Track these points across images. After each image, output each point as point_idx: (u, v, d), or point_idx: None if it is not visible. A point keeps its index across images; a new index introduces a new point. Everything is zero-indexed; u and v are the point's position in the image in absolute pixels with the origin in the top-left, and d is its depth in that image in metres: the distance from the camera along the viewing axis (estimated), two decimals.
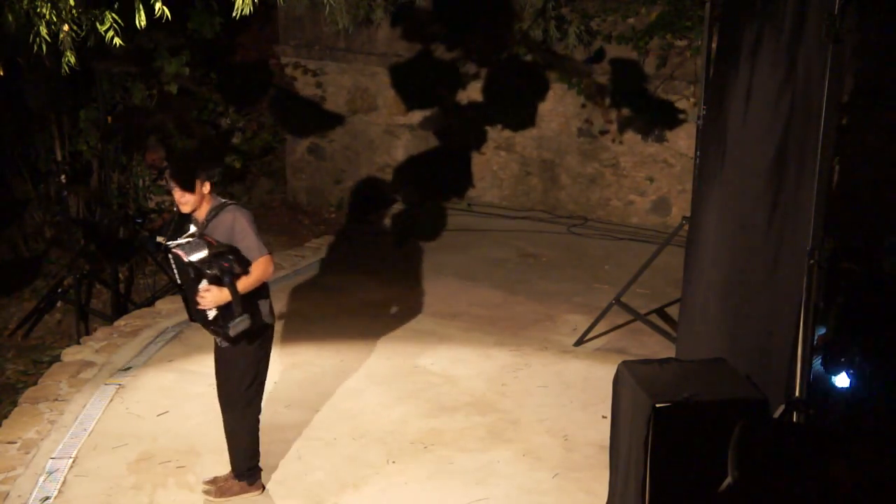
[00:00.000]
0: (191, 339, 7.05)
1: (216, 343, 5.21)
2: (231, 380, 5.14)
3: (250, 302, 4.94)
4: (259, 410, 5.25)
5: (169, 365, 6.78)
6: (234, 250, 4.85)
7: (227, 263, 4.78)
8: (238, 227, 4.91)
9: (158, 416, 6.10)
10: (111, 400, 6.27)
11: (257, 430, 5.26)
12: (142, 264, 9.18)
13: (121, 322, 7.56)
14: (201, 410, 6.04)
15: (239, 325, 4.85)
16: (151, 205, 9.58)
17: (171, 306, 7.68)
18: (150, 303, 8.24)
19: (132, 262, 9.07)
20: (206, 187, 4.94)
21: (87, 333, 8.07)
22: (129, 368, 6.71)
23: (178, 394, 6.36)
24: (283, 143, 10.77)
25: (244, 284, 4.85)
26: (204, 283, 4.80)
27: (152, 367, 6.76)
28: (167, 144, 9.68)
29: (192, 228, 4.99)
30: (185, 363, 6.77)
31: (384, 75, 10.09)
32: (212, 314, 4.87)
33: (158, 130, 9.57)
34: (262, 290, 5.04)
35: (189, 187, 4.93)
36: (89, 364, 6.77)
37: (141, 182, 9.51)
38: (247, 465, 5.25)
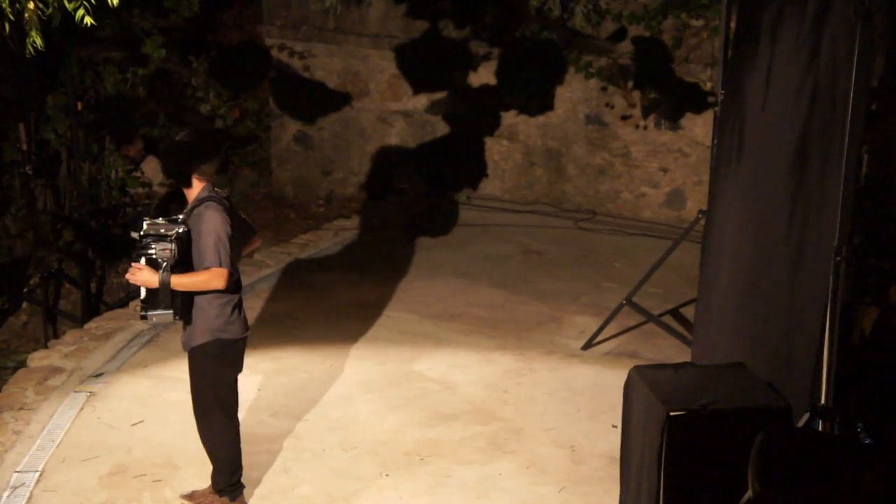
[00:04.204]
0: (168, 342, 7.04)
1: None
2: (200, 393, 5.16)
3: (187, 301, 4.97)
4: (235, 423, 5.24)
5: (144, 371, 6.77)
6: (181, 239, 4.89)
7: (167, 250, 4.85)
8: (203, 226, 4.93)
9: (133, 425, 6.09)
10: (81, 408, 6.26)
11: (236, 443, 5.24)
12: (114, 262, 9.17)
13: (92, 324, 7.55)
14: (179, 419, 6.02)
15: (160, 316, 4.92)
16: (125, 198, 9.55)
17: None
18: (123, 303, 8.22)
19: (104, 262, 9.06)
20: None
21: (56, 336, 8.05)
22: (100, 374, 6.70)
23: (154, 402, 6.35)
24: (268, 131, 10.75)
25: (180, 281, 4.88)
26: (141, 261, 4.87)
27: (126, 372, 6.74)
28: (145, 137, 9.67)
29: (181, 215, 5.06)
30: (161, 369, 6.76)
31: (377, 58, 10.07)
32: (143, 294, 4.94)
33: (149, 121, 9.56)
34: (215, 299, 5.02)
35: (183, 182, 5.05)
36: (58, 370, 6.76)
37: (114, 173, 9.49)
38: (227, 480, 5.24)
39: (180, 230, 4.92)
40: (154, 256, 4.85)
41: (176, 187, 5.28)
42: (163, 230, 4.90)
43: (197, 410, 5.20)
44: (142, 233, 4.90)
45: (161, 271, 4.84)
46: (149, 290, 4.90)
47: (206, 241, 4.91)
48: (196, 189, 5.04)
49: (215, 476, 5.26)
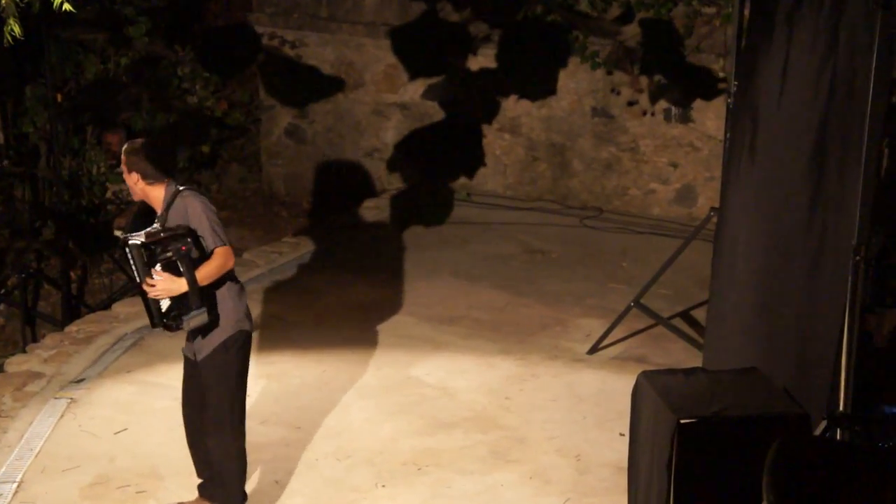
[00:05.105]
0: (152, 346, 7.04)
1: (187, 357, 5.18)
2: (218, 398, 5.07)
3: (209, 296, 4.95)
4: (244, 431, 5.21)
5: (128, 376, 6.76)
6: (191, 233, 4.88)
7: (184, 247, 4.81)
8: (191, 212, 4.93)
9: (116, 434, 6.08)
10: (62, 416, 6.26)
11: (245, 454, 5.21)
12: (96, 262, 9.16)
13: (73, 327, 7.54)
14: (165, 428, 6.02)
15: (195, 318, 4.87)
16: (108, 194, 9.55)
17: (129, 309, 7.66)
18: (106, 305, 8.21)
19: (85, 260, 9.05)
20: (135, 178, 4.98)
21: (34, 340, 8.05)
22: (82, 380, 6.69)
23: (138, 409, 6.35)
24: (258, 124, 10.75)
25: (203, 273, 4.87)
26: (157, 269, 4.82)
27: (109, 378, 6.74)
28: (128, 126, 9.66)
29: (156, 223, 5.02)
30: (146, 374, 6.76)
31: (372, 47, 10.07)
32: (165, 304, 4.89)
33: (132, 106, 9.54)
34: (231, 289, 5.05)
35: (169, 171, 5.01)
36: (37, 375, 6.76)
37: (95, 169, 9.48)
38: (242, 496, 5.19)
39: (171, 229, 4.87)
40: (173, 259, 4.79)
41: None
42: (164, 234, 4.82)
43: (212, 420, 5.10)
44: (146, 242, 4.80)
45: (184, 271, 4.79)
46: (174, 298, 4.86)
47: (202, 227, 4.90)
48: (160, 189, 5.00)
49: (224, 495, 5.17)
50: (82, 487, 5.58)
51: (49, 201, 9.27)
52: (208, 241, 4.91)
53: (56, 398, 6.46)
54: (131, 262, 4.94)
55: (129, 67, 9.65)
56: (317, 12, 10.22)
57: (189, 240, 4.84)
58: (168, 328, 4.97)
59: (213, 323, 4.98)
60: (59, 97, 8.94)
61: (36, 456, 5.84)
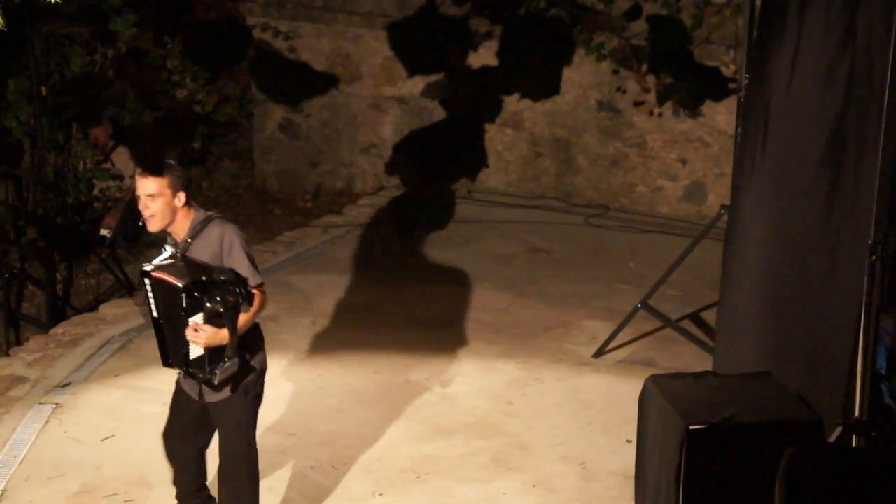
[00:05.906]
0: (141, 349, 7.03)
1: (186, 393, 4.93)
2: (238, 441, 4.90)
3: (243, 343, 4.69)
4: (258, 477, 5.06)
5: (115, 380, 6.76)
6: (240, 280, 4.59)
7: (232, 298, 4.53)
8: (227, 246, 4.64)
9: (103, 440, 6.09)
10: (46, 422, 6.25)
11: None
12: (83, 262, 9.16)
13: (58, 330, 7.54)
14: (154, 434, 5.99)
15: (227, 369, 4.63)
16: (94, 191, 9.55)
17: (117, 311, 7.66)
18: (92, 307, 8.21)
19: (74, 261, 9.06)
20: (181, 198, 4.64)
21: (18, 343, 8.05)
22: (67, 385, 6.69)
23: (126, 414, 6.35)
24: (251, 118, 10.75)
25: (243, 321, 4.60)
26: (198, 318, 4.55)
27: (95, 382, 6.74)
28: (114, 119, 9.66)
29: (169, 248, 4.71)
30: (134, 378, 6.76)
31: (369, 39, 10.07)
32: (195, 353, 4.62)
33: (117, 102, 9.53)
34: (255, 329, 4.81)
35: (155, 170, 4.65)
36: (20, 379, 6.76)
37: (82, 165, 9.48)
38: None
39: (215, 272, 4.58)
40: (220, 311, 4.51)
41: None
42: (206, 279, 4.53)
43: (231, 466, 4.91)
44: (190, 288, 4.50)
45: (228, 324, 4.53)
46: (211, 348, 4.59)
47: (239, 263, 4.62)
48: (187, 214, 4.67)
49: None
50: (68, 496, 5.57)
51: (33, 200, 9.27)
52: (248, 280, 4.63)
53: (41, 403, 6.46)
54: (149, 293, 4.63)
55: (114, 62, 9.65)
56: (311, 2, 10.22)
57: (237, 290, 4.53)
58: (193, 377, 4.72)
59: (241, 371, 4.71)
60: (43, 90, 8.93)
61: (20, 463, 5.84)
